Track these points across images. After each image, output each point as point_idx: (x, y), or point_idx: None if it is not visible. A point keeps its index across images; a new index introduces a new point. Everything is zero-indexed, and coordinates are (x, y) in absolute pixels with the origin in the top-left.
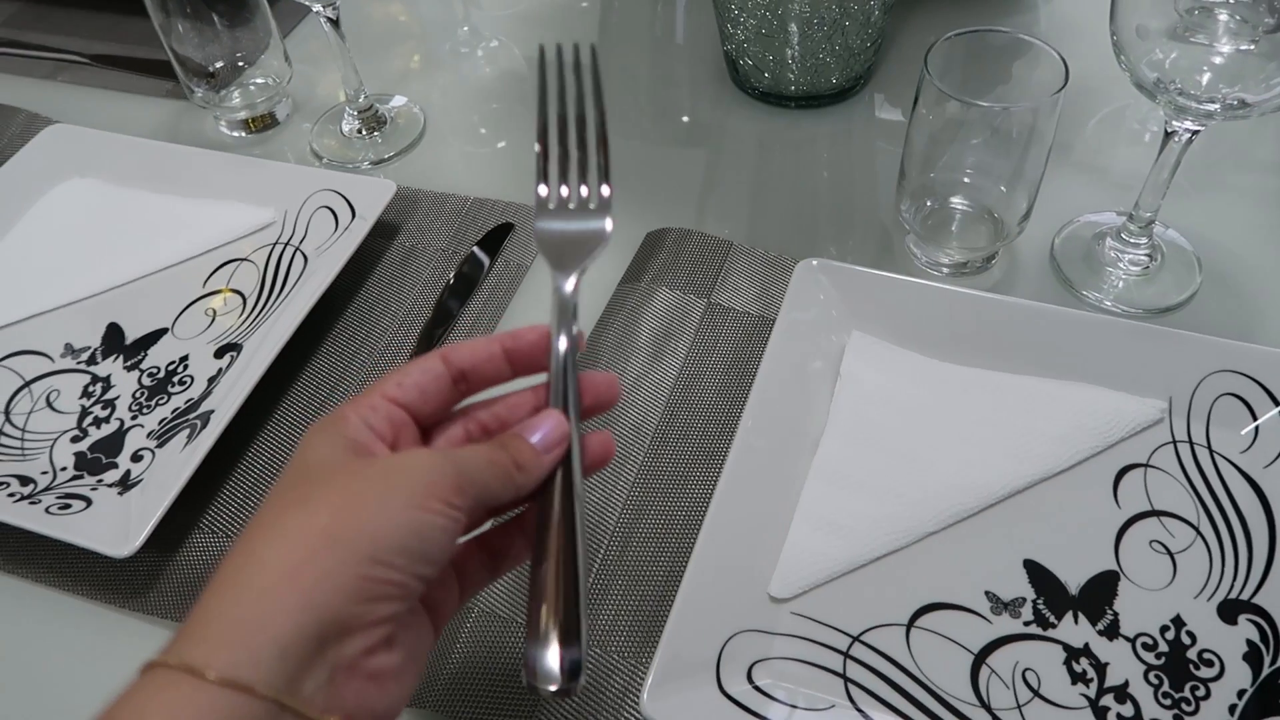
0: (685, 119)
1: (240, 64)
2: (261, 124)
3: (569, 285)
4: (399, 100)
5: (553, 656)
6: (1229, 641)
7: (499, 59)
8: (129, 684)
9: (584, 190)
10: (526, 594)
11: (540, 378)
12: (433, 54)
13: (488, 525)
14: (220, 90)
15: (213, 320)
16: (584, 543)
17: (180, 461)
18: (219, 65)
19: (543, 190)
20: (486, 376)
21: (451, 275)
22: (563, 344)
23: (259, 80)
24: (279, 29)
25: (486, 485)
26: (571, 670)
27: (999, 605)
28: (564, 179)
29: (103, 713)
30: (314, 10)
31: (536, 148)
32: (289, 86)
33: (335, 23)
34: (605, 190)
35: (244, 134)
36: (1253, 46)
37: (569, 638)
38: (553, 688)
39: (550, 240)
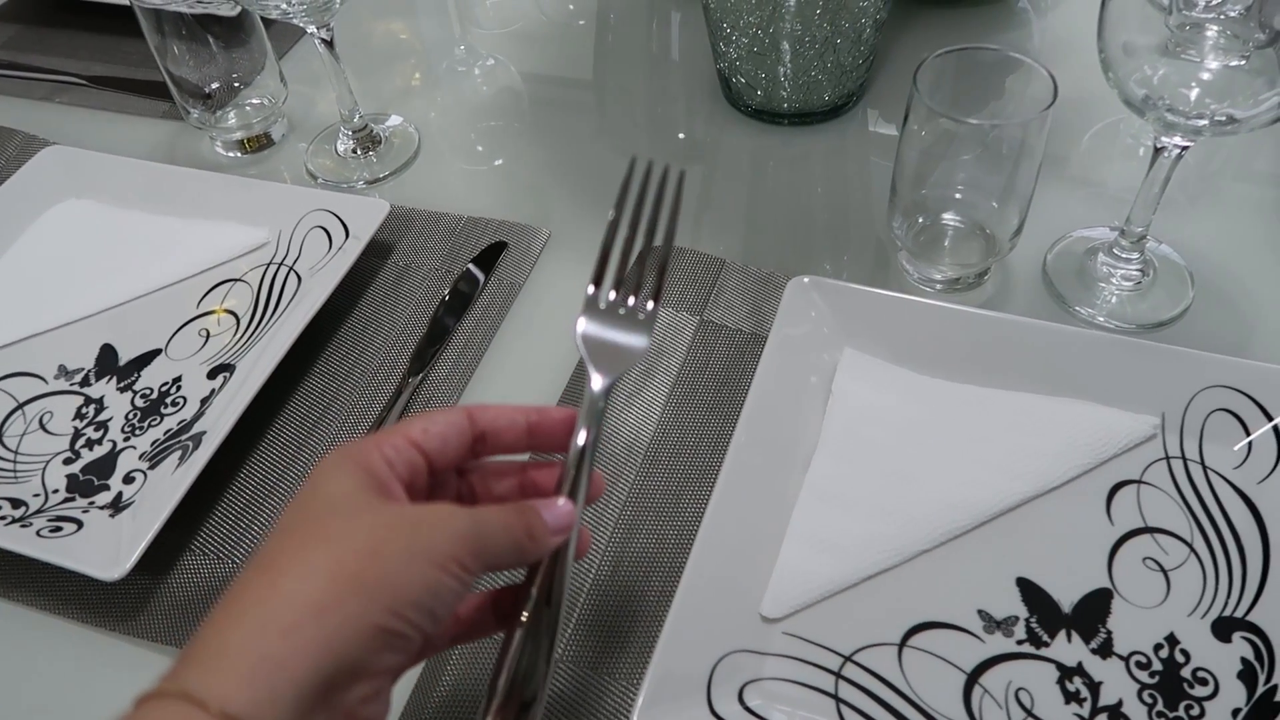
0: (681, 135)
1: (236, 85)
2: (257, 144)
3: (600, 386)
4: (394, 120)
5: None
6: (1223, 659)
7: (496, 77)
8: (126, 715)
9: (631, 301)
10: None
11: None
12: (429, 73)
13: None
14: (216, 111)
15: (206, 341)
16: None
17: (172, 483)
18: (215, 86)
19: (591, 290)
20: (504, 444)
21: (446, 292)
22: (583, 437)
23: (254, 101)
24: (275, 50)
25: (500, 550)
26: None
27: (992, 624)
28: (617, 286)
29: None
30: (308, 32)
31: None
32: (284, 107)
33: (329, 44)
34: (650, 305)
35: (239, 154)
36: (1243, 62)
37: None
38: None
39: (591, 341)
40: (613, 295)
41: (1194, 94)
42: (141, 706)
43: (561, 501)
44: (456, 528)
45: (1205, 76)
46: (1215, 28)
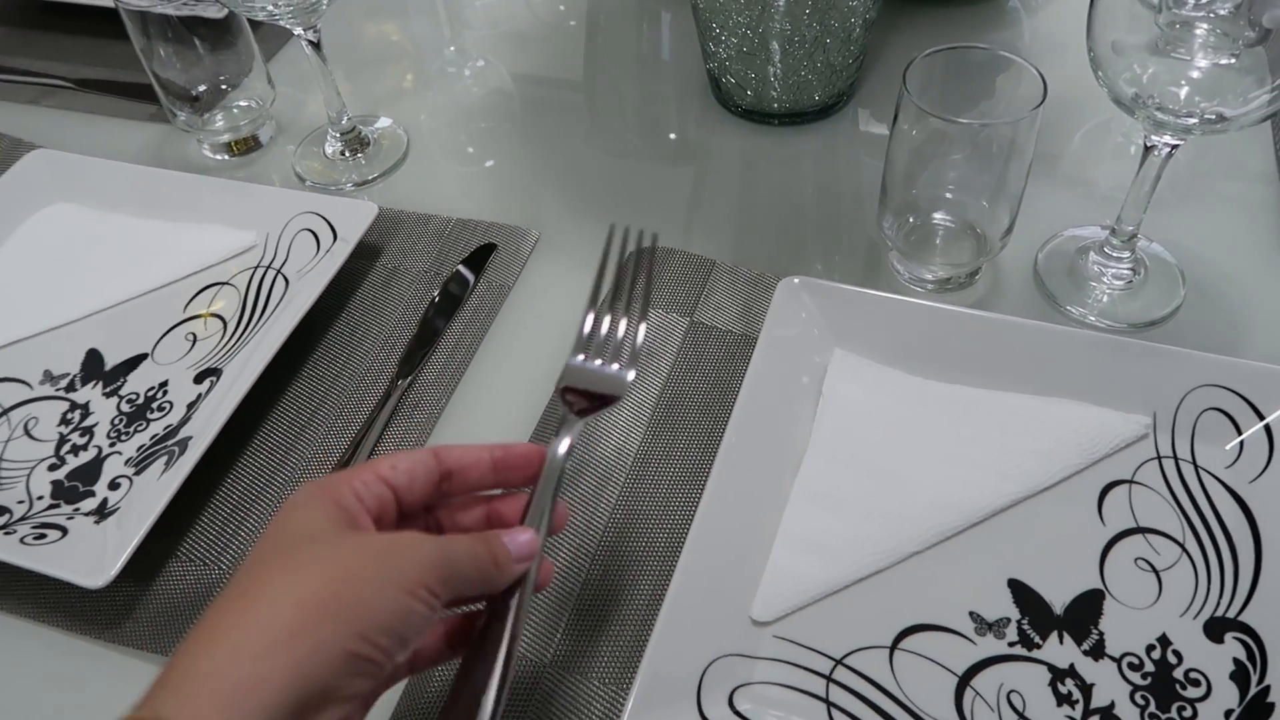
0: (673, 136)
1: (223, 87)
2: (245, 147)
3: (565, 445)
4: (383, 122)
5: None
6: (1216, 660)
7: (486, 78)
8: None
9: (614, 366)
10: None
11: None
12: (420, 74)
13: None
14: (203, 114)
15: (193, 345)
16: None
17: (158, 489)
18: (202, 89)
19: (579, 359)
20: (470, 481)
21: (436, 293)
22: (557, 461)
23: (242, 103)
24: (262, 52)
25: (467, 577)
26: None
27: (983, 626)
28: (600, 352)
29: None
30: (295, 34)
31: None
32: (272, 109)
33: (317, 45)
34: (631, 375)
35: (227, 157)
36: (1233, 60)
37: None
38: None
39: (575, 386)
40: (598, 363)
41: (1183, 92)
42: None
43: (525, 532)
44: (425, 554)
45: (1195, 75)
46: (1205, 26)
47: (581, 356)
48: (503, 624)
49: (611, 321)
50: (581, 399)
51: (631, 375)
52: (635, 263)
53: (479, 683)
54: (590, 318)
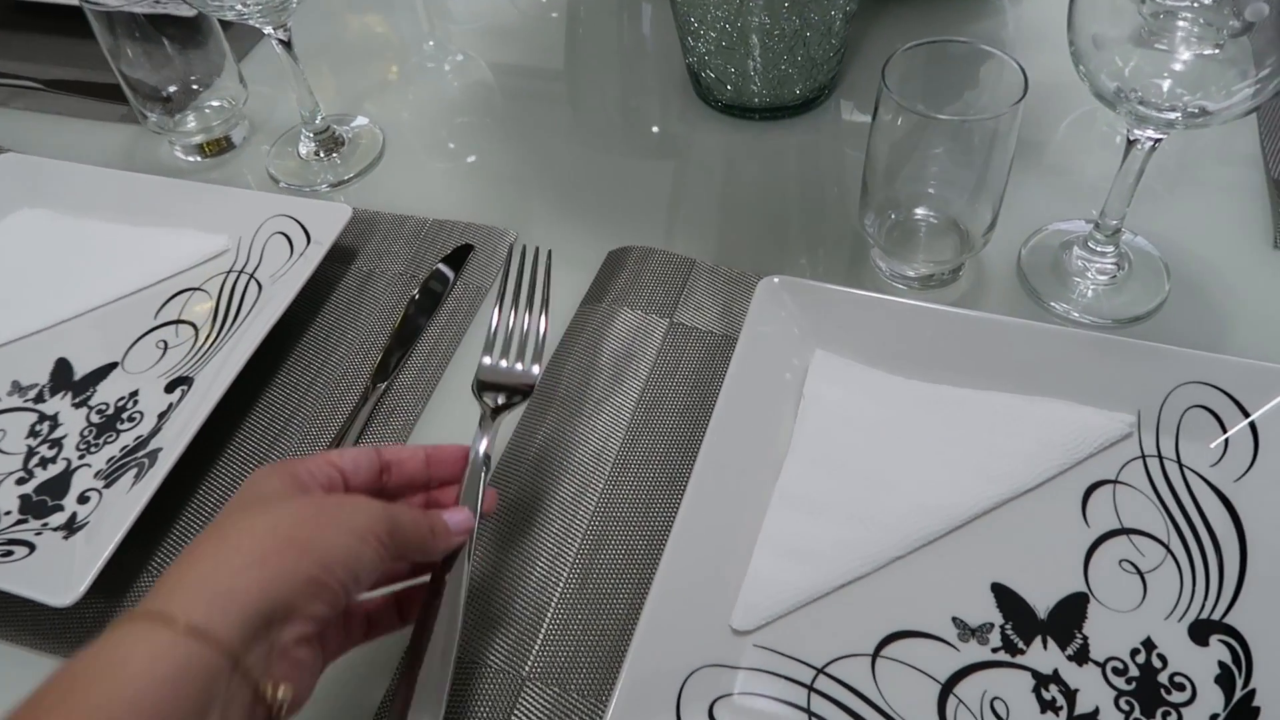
0: (655, 129)
1: (195, 87)
2: (217, 148)
3: (484, 443)
4: (360, 121)
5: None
6: (1200, 664)
7: (466, 73)
8: (102, 636)
9: (519, 365)
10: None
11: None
12: (399, 69)
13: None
14: (175, 114)
15: (164, 353)
16: (462, 620)
17: (127, 502)
18: (172, 89)
19: (486, 360)
20: (407, 474)
21: (416, 292)
22: (479, 455)
23: (214, 103)
24: (234, 51)
25: (408, 538)
26: None
27: (966, 632)
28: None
29: (79, 659)
30: (265, 34)
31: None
32: (245, 109)
33: (288, 45)
34: (536, 370)
35: (200, 158)
36: (1217, 51)
37: (433, 703)
38: None
39: (487, 386)
40: (504, 364)
41: (1166, 86)
42: (114, 629)
43: (462, 511)
44: (374, 509)
45: (1177, 68)
46: (1188, 16)
47: (488, 358)
48: (440, 598)
49: (515, 320)
50: (495, 395)
51: (536, 370)
52: (534, 266)
53: (421, 650)
54: (495, 318)
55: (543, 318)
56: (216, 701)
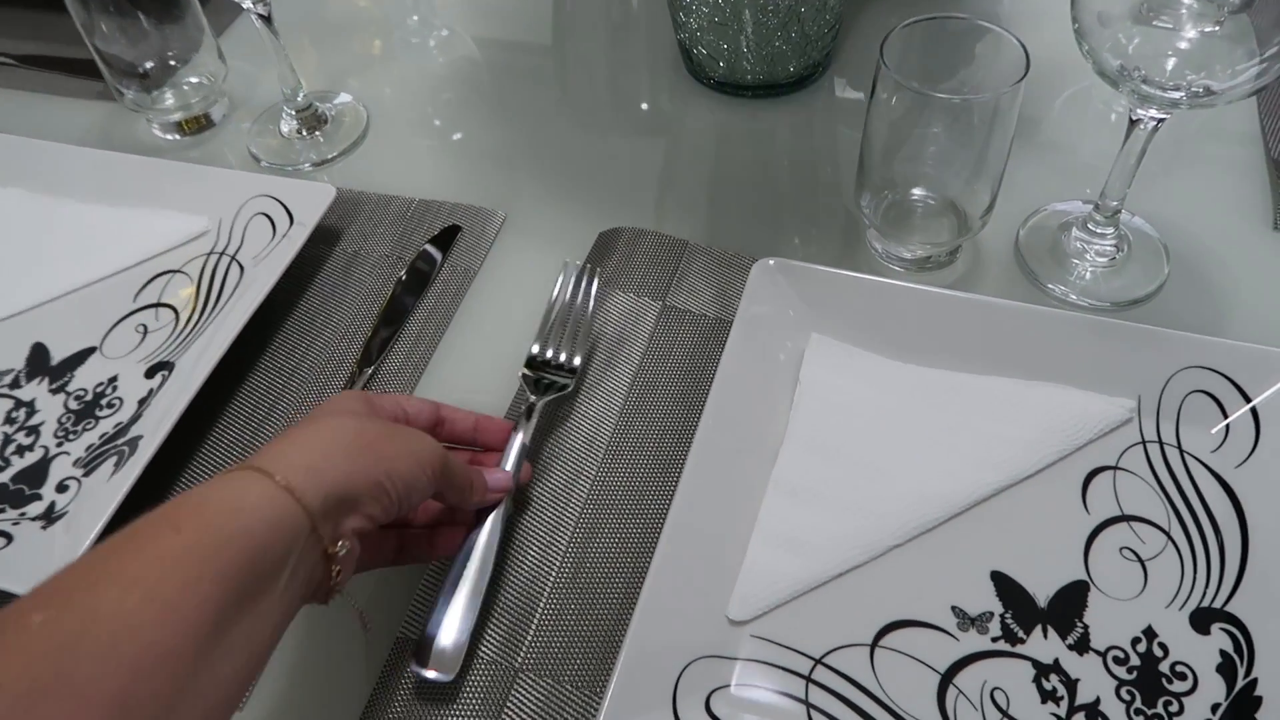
0: (644, 106)
1: (172, 63)
2: (196, 125)
3: (531, 426)
4: (343, 98)
5: (448, 647)
6: (1202, 653)
7: (452, 48)
8: (215, 480)
9: (564, 355)
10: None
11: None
12: (382, 44)
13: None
14: (152, 91)
15: (144, 337)
16: (495, 563)
17: (108, 491)
18: (149, 65)
19: (535, 349)
20: (456, 433)
21: (403, 273)
22: (520, 437)
23: (192, 80)
24: (212, 25)
25: (454, 480)
26: (458, 663)
27: (966, 621)
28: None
29: (198, 491)
30: (245, 8)
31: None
32: (225, 85)
33: (268, 19)
34: (577, 360)
35: (178, 136)
36: (1217, 28)
37: (461, 635)
38: (438, 675)
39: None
40: (549, 353)
41: (1170, 64)
42: (225, 475)
43: (503, 473)
44: (434, 447)
45: (1181, 46)
46: None
47: (537, 347)
48: (481, 529)
49: (566, 312)
50: (541, 378)
51: (578, 360)
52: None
53: (458, 579)
54: (548, 311)
55: (588, 313)
56: (295, 551)
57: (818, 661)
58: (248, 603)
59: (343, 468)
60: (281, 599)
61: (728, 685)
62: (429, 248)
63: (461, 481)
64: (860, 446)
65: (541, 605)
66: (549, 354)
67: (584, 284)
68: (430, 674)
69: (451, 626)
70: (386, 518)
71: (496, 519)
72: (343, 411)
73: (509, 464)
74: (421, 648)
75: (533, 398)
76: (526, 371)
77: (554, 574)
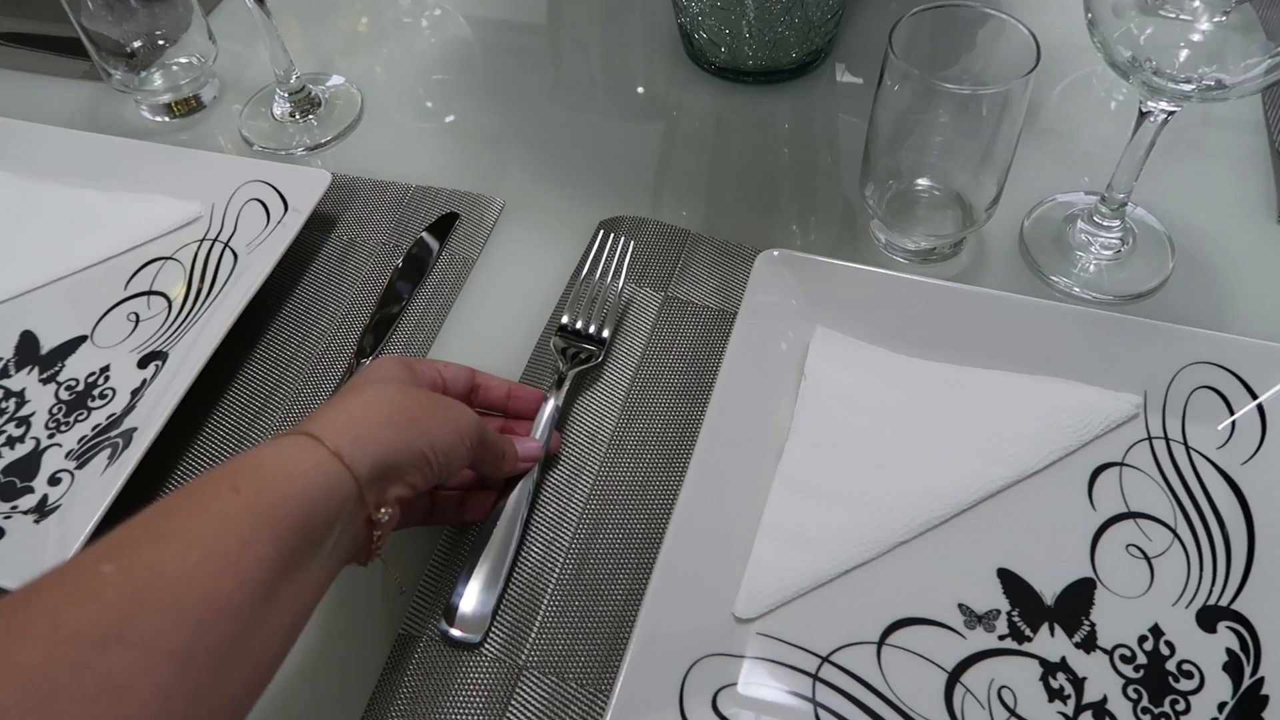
0: (643, 91)
1: (161, 43)
2: (186, 107)
3: (562, 393)
4: (335, 80)
5: (474, 608)
6: (1208, 651)
7: (444, 27)
8: (267, 444)
9: (593, 327)
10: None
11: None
12: (373, 24)
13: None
14: (140, 72)
15: (136, 326)
16: (521, 530)
17: (102, 484)
18: (137, 44)
19: (565, 319)
20: (490, 400)
21: (400, 261)
22: (551, 406)
23: (182, 60)
24: (202, 4)
25: (488, 451)
26: (482, 623)
27: (973, 619)
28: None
29: (251, 455)
30: None
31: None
32: (215, 66)
33: (260, 0)
34: (606, 332)
35: (168, 118)
36: (1224, 18)
37: (485, 600)
38: (464, 633)
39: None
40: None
41: (1182, 56)
42: (277, 439)
43: (535, 443)
44: (473, 419)
45: (1194, 38)
46: None
47: (568, 317)
48: (509, 495)
49: (595, 288)
50: (574, 350)
51: (606, 332)
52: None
53: (483, 545)
54: (578, 285)
55: (618, 286)
56: (343, 515)
57: (824, 659)
58: (298, 562)
59: (389, 437)
60: (328, 560)
61: (734, 684)
62: (426, 235)
63: (496, 451)
64: (866, 441)
65: (545, 602)
66: (579, 324)
67: (616, 254)
68: (456, 633)
69: (477, 589)
70: (426, 486)
71: (525, 486)
72: (388, 379)
73: (539, 433)
74: (450, 609)
75: (563, 367)
76: (557, 339)
77: (557, 569)
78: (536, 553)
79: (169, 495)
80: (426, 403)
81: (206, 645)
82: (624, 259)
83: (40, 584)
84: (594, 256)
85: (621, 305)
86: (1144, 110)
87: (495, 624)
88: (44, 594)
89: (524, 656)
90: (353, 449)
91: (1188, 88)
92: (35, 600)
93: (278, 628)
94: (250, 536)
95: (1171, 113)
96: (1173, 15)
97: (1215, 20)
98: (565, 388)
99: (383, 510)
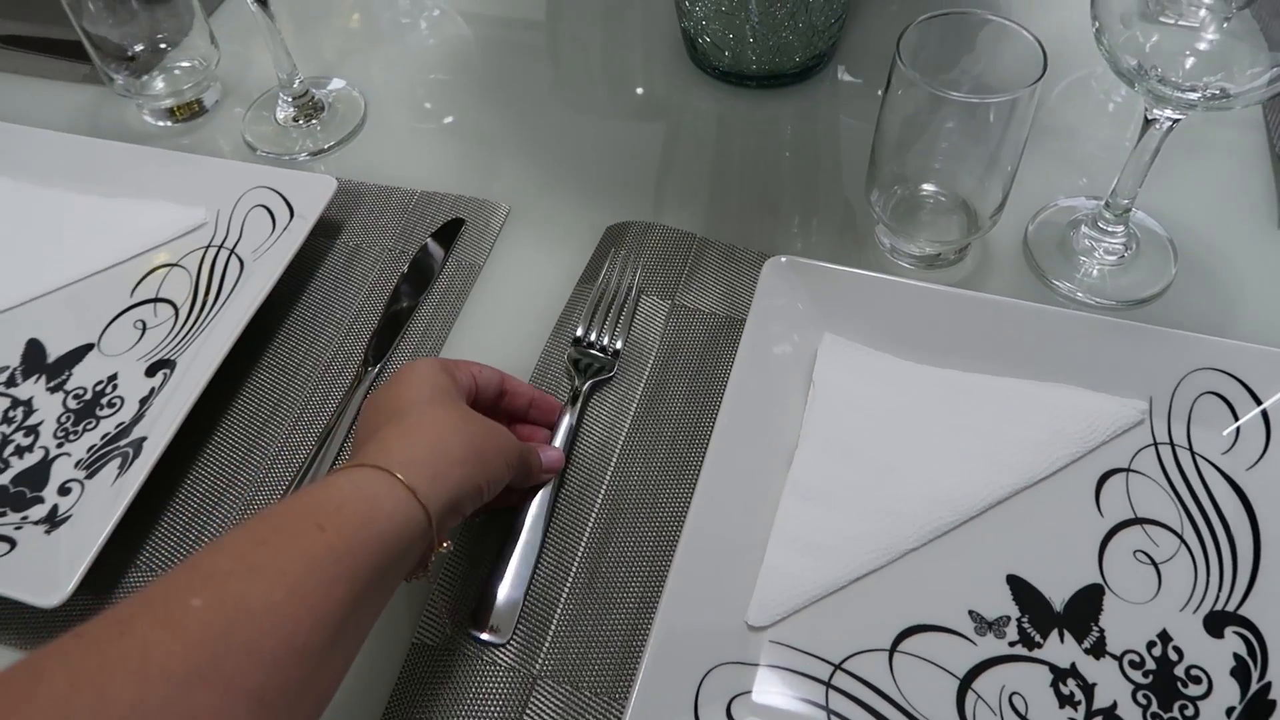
0: (644, 93)
1: (162, 46)
2: (188, 112)
3: (576, 410)
4: (337, 83)
5: (503, 607)
6: (1216, 656)
7: (443, 28)
8: (348, 475)
9: (606, 339)
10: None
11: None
12: (372, 26)
13: None
14: (142, 76)
15: (143, 334)
16: (541, 538)
17: (113, 495)
18: (139, 48)
19: (580, 331)
20: (516, 405)
21: (406, 267)
22: (568, 420)
23: (184, 64)
24: (203, 6)
25: (525, 471)
26: (509, 624)
27: (983, 625)
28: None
29: (333, 486)
30: None
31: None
32: (217, 70)
33: (263, 3)
34: (620, 344)
35: (169, 123)
36: (1226, 24)
37: (513, 602)
38: (489, 636)
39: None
40: (593, 335)
41: (1188, 64)
42: (358, 472)
43: (557, 451)
44: (516, 446)
45: (1200, 46)
46: None
47: (582, 329)
48: (529, 507)
49: (609, 300)
50: (587, 362)
51: (620, 344)
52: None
53: (509, 549)
54: (591, 297)
55: (629, 302)
56: (412, 549)
57: (837, 667)
58: (368, 599)
59: (458, 475)
60: (390, 590)
61: (749, 691)
62: (431, 241)
63: (529, 470)
64: (875, 448)
65: (559, 611)
66: (593, 336)
67: (625, 274)
68: (486, 636)
69: (506, 592)
70: (472, 512)
71: (546, 494)
72: (442, 396)
73: (558, 443)
74: (479, 613)
75: (577, 382)
76: (572, 351)
77: (570, 579)
78: (550, 561)
79: (255, 521)
80: (488, 436)
81: (280, 685)
82: (635, 272)
83: (133, 612)
84: (606, 268)
85: (628, 320)
86: (1149, 118)
87: (493, 662)
88: (136, 626)
89: (538, 666)
90: (428, 489)
91: (1193, 96)
92: (129, 633)
93: (342, 661)
94: (331, 579)
95: (1176, 120)
96: (1173, 21)
97: (1217, 26)
98: (580, 402)
99: (446, 544)
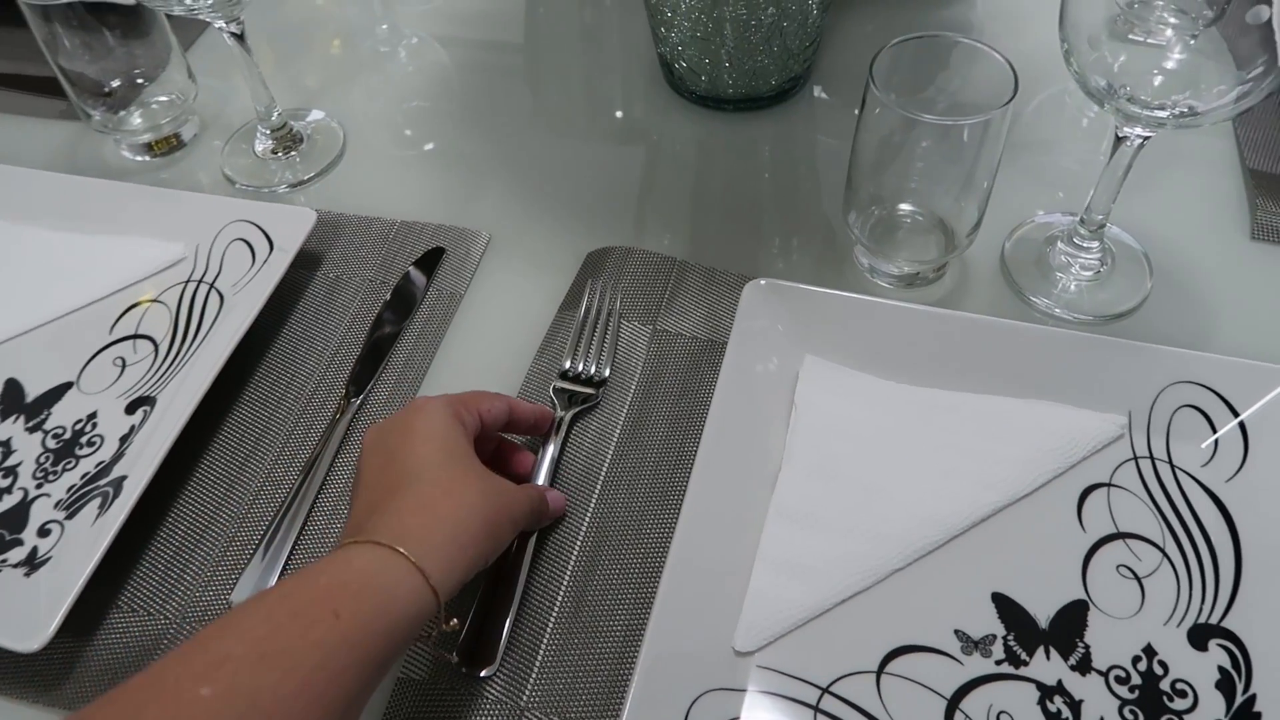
0: (623, 117)
1: (139, 81)
2: (166, 146)
3: (562, 435)
4: (316, 114)
5: (489, 638)
6: (1201, 669)
7: (422, 55)
8: (366, 558)
9: (593, 368)
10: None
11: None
12: (352, 54)
13: None
14: (119, 111)
15: (122, 371)
16: (527, 568)
17: (92, 535)
18: (116, 83)
19: (567, 363)
20: (521, 428)
21: (388, 295)
22: (551, 452)
23: (161, 98)
24: (180, 40)
25: (533, 522)
26: (495, 656)
27: (969, 644)
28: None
29: (346, 570)
30: (216, 28)
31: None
32: (195, 104)
33: (240, 37)
34: (607, 371)
35: (148, 157)
36: (1192, 41)
37: (494, 641)
38: (478, 670)
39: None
40: (580, 367)
41: (1156, 83)
42: (373, 551)
43: (557, 494)
44: (525, 505)
45: (1168, 65)
46: (1163, 4)
47: (568, 361)
48: (521, 556)
49: (592, 329)
50: (570, 391)
51: (606, 372)
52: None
53: (504, 598)
54: (574, 327)
55: (610, 332)
56: (419, 629)
57: (825, 690)
58: (374, 681)
59: (472, 556)
60: (390, 668)
61: (737, 717)
62: (412, 270)
63: (538, 519)
64: (858, 469)
65: (545, 641)
66: (579, 367)
67: (606, 300)
68: (472, 669)
69: (492, 623)
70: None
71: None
72: (455, 452)
73: (540, 479)
74: (465, 645)
75: (561, 413)
76: (559, 384)
77: (556, 608)
78: (535, 592)
79: (271, 599)
80: (501, 507)
81: None
82: (617, 298)
83: (142, 698)
84: (587, 298)
85: (611, 351)
86: (1120, 135)
87: (479, 695)
88: (145, 717)
89: (525, 697)
90: (442, 575)
91: (1162, 115)
92: None
93: None
94: (342, 667)
95: (1147, 138)
96: (1142, 39)
97: (1184, 44)
98: (564, 433)
99: (453, 621)
